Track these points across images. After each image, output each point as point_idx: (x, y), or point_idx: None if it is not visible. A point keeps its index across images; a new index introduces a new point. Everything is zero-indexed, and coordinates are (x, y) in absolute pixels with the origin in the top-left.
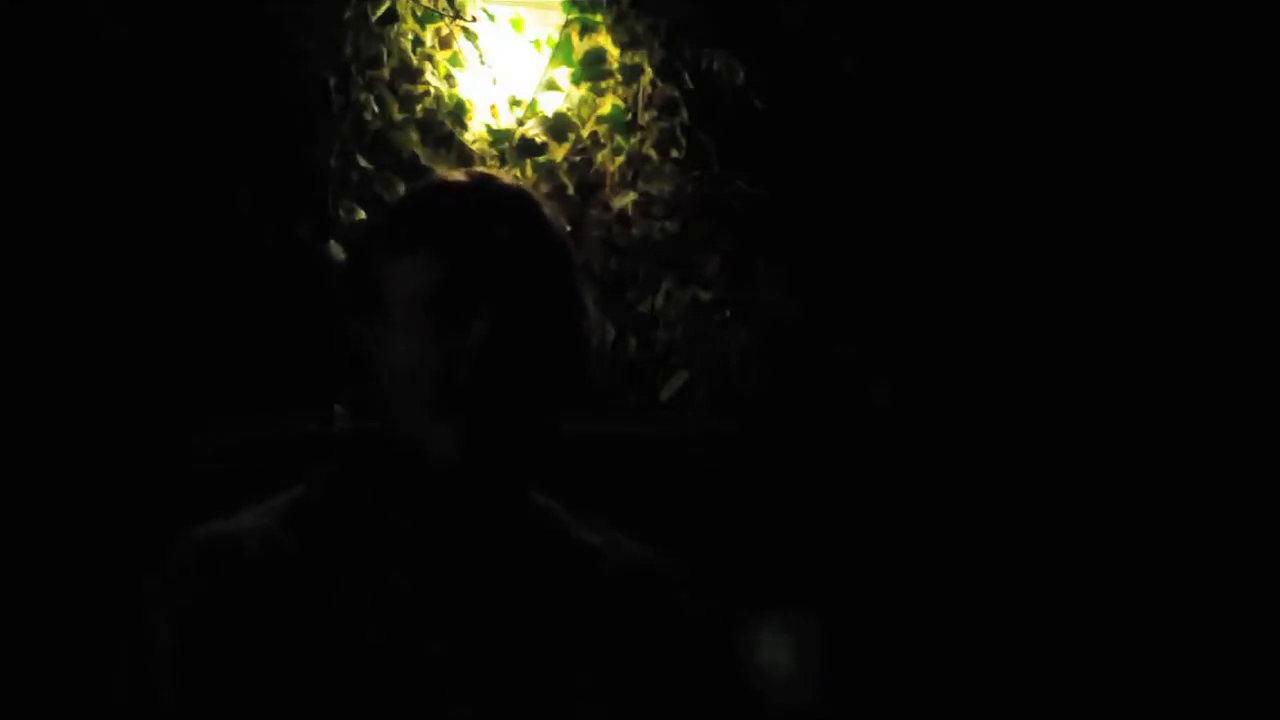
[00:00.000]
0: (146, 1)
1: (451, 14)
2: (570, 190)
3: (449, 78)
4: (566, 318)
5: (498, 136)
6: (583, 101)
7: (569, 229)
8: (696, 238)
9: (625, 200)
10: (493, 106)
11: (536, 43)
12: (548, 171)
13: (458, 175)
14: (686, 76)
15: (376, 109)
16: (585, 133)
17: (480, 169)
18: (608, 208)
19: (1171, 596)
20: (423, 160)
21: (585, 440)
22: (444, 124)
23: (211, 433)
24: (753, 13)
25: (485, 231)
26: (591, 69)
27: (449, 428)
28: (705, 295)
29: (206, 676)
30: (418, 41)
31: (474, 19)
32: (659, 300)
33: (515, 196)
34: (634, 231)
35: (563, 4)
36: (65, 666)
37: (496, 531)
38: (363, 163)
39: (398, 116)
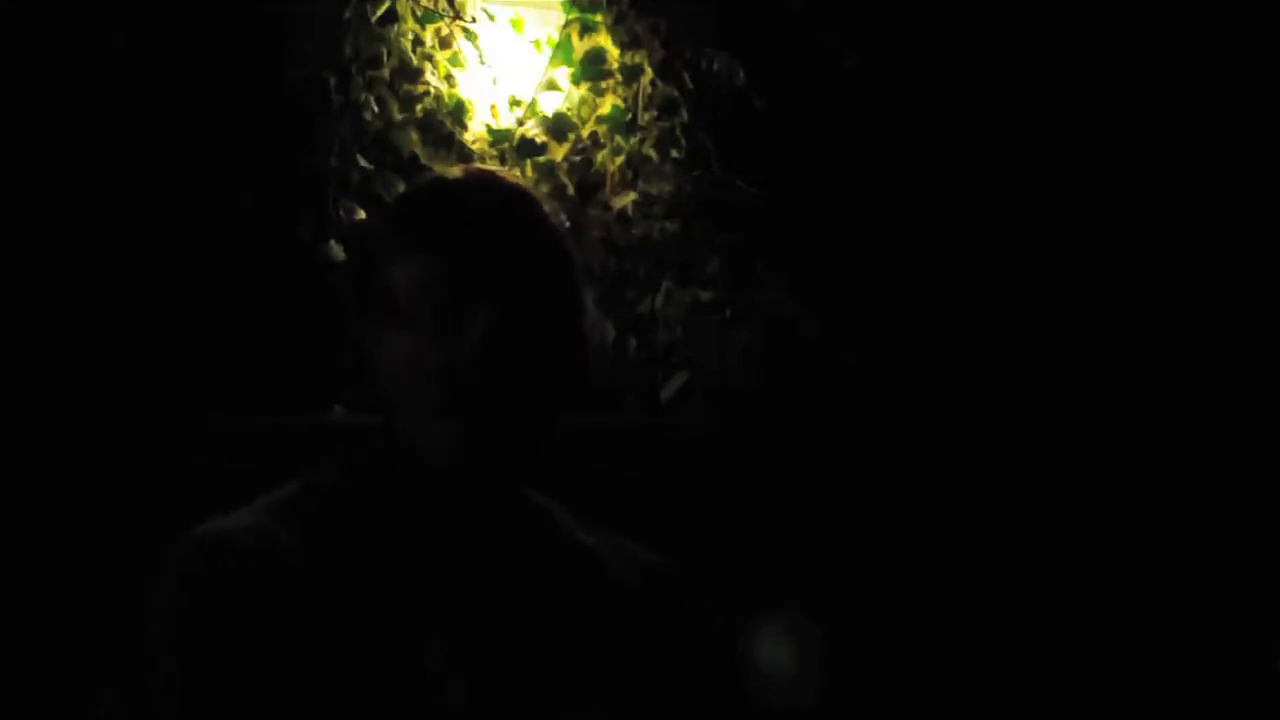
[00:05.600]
0: (148, 3)
1: (451, 14)
2: (570, 190)
3: (449, 78)
4: (566, 317)
5: (498, 136)
6: (583, 101)
7: (568, 227)
8: (696, 238)
9: (625, 200)
10: (493, 106)
11: (536, 43)
12: (548, 171)
13: (457, 172)
14: (686, 76)
15: (376, 109)
16: (585, 133)
17: (480, 166)
18: (608, 208)
19: (1170, 597)
20: (423, 160)
21: (578, 434)
22: (444, 124)
23: (211, 425)
24: (753, 13)
25: (484, 230)
26: (591, 69)
27: (448, 427)
28: (705, 295)
29: (205, 676)
30: (418, 41)
31: (474, 19)
32: (659, 300)
33: (514, 194)
34: (634, 231)
35: (563, 4)
36: (64, 665)
37: (494, 530)
38: (363, 163)
39: (398, 116)
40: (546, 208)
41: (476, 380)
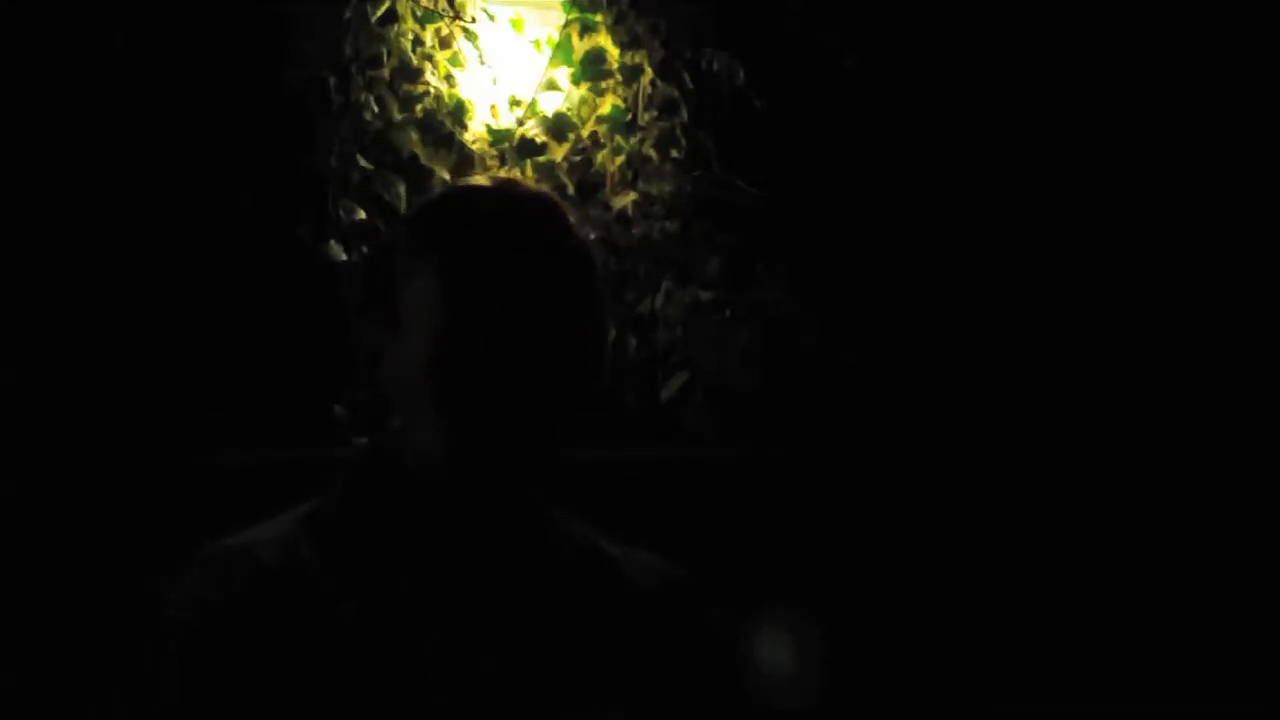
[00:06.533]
0: (148, 3)
1: (451, 14)
2: (570, 190)
3: (449, 78)
4: (579, 325)
5: (498, 136)
6: (583, 101)
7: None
8: (696, 238)
9: (625, 200)
10: (493, 106)
11: (536, 43)
12: (548, 171)
13: (481, 180)
14: (686, 76)
15: (376, 109)
16: (585, 133)
17: (504, 175)
18: (608, 208)
19: (1170, 600)
20: (423, 160)
21: (596, 465)
22: (444, 124)
23: (227, 450)
24: (753, 13)
25: (497, 236)
26: (591, 69)
27: (451, 430)
28: (705, 295)
29: (216, 689)
30: (418, 41)
31: (474, 19)
32: (659, 300)
33: (527, 200)
34: (634, 231)
35: (563, 4)
36: (75, 679)
37: (496, 532)
38: (363, 163)
39: (398, 116)
40: (570, 215)
41: (480, 384)
